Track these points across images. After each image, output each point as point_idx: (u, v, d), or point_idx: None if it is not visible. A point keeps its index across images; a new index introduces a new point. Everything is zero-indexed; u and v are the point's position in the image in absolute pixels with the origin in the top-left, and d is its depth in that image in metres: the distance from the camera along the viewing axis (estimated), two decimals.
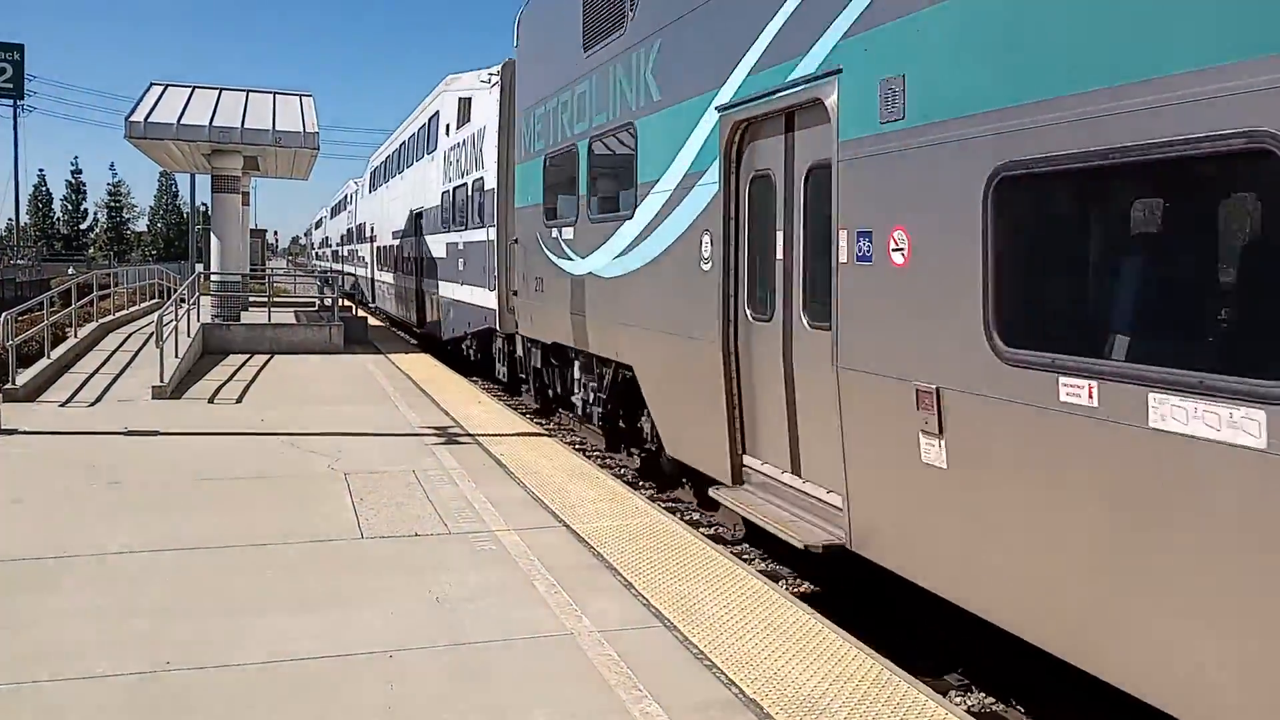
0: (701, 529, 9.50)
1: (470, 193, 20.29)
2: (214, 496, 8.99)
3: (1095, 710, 5.80)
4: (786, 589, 7.90)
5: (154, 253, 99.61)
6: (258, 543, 7.56)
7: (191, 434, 12.00)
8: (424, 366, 19.77)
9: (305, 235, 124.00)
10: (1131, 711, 4.84)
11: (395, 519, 8.28)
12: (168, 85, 23.62)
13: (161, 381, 14.84)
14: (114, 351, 19.09)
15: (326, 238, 76.00)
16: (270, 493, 9.18)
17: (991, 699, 6.40)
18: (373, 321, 31.62)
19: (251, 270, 32.46)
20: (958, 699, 6.38)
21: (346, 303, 34.76)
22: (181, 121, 21.66)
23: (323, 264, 73.69)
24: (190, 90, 23.64)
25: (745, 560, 8.60)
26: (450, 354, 23.00)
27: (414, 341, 27.31)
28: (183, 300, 20.12)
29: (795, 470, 7.84)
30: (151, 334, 16.97)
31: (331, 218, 70.87)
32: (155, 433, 11.99)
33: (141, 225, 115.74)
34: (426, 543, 7.65)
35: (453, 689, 5.07)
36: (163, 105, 22.31)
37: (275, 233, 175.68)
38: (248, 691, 5.00)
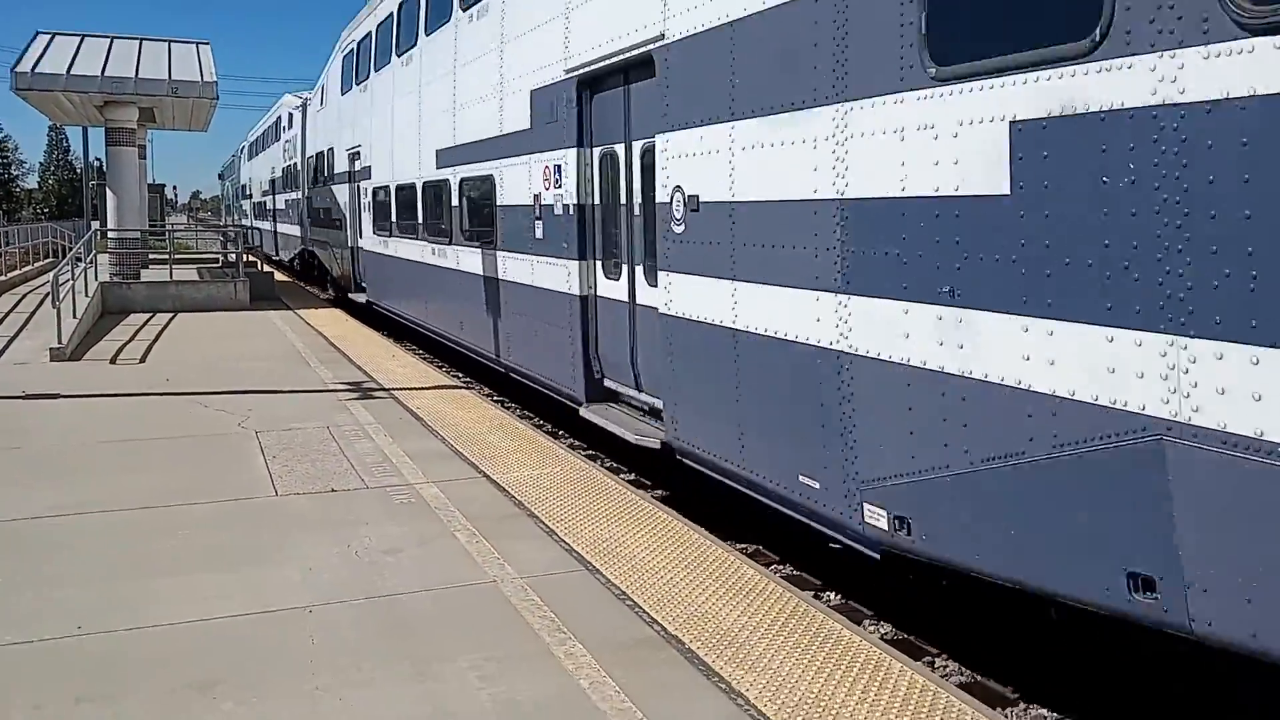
0: (622, 475, 9.57)
1: None
2: (120, 459, 8.75)
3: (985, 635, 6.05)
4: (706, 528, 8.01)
5: (46, 211, 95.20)
6: (168, 504, 7.38)
7: (94, 395, 11.62)
8: (335, 322, 19.40)
9: (224, 175, 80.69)
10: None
11: (310, 475, 8.16)
12: (55, 34, 22.41)
13: (60, 343, 14.30)
14: (7, 313, 18.36)
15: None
16: (179, 453, 8.95)
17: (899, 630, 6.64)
18: (279, 276, 30.83)
19: (151, 226, 31.27)
20: (871, 627, 6.59)
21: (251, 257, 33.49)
22: (71, 71, 20.63)
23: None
24: (80, 39, 22.48)
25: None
26: (362, 309, 22.56)
27: (324, 296, 26.74)
28: (79, 259, 19.35)
29: None
30: (47, 295, 16.32)
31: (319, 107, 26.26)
32: (56, 395, 11.59)
33: (32, 182, 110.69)
34: (343, 498, 7.57)
35: (375, 641, 5.06)
36: (51, 54, 21.19)
37: (175, 187, 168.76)
38: (165, 652, 4.91)
